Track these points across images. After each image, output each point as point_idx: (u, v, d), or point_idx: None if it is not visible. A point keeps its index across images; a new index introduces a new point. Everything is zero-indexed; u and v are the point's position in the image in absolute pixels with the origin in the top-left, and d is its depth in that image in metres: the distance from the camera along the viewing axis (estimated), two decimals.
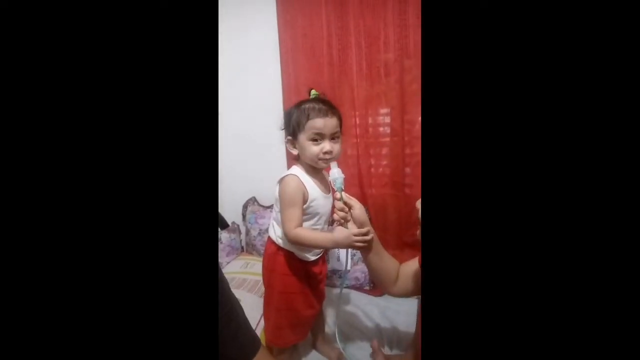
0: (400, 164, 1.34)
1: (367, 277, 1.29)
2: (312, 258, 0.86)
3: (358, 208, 0.75)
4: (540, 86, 0.29)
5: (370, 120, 1.35)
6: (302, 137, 0.77)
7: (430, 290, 0.32)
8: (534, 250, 0.29)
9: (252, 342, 0.54)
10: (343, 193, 0.75)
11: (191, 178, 0.32)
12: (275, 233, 0.85)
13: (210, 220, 0.33)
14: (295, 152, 0.80)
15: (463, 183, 0.30)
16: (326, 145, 0.75)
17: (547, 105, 0.28)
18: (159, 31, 0.31)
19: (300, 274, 0.85)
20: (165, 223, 0.31)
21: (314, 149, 0.76)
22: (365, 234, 0.72)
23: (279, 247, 0.84)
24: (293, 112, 0.79)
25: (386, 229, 1.38)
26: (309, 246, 0.81)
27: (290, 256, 0.84)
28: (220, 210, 1.46)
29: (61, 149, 0.29)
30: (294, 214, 0.76)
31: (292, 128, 0.78)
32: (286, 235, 0.77)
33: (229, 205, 1.51)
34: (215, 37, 0.34)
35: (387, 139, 1.34)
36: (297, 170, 0.79)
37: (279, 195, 0.79)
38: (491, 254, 0.30)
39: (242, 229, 1.50)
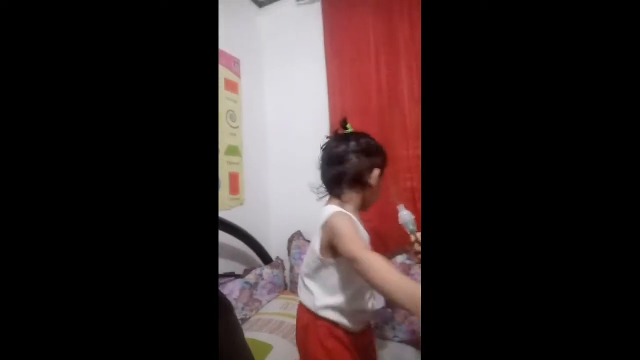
0: None
1: None
2: (360, 327, 0.70)
3: None
4: (545, 120, 0.28)
5: None
6: (378, 173, 0.68)
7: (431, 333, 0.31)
8: (533, 281, 0.28)
9: None
10: (418, 234, 0.63)
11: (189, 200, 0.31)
12: (314, 298, 0.67)
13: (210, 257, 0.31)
14: (374, 183, 0.69)
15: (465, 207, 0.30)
16: None
17: (552, 145, 0.28)
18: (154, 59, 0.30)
19: (348, 348, 0.68)
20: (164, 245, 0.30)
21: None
22: None
23: (316, 317, 0.67)
24: (373, 144, 0.70)
25: None
26: (379, 283, 0.50)
27: (332, 327, 0.67)
28: (264, 243, 1.41)
29: (59, 166, 0.28)
30: (359, 239, 0.60)
31: (378, 161, 0.69)
32: (357, 257, 0.54)
33: (274, 238, 1.46)
34: (216, 63, 0.34)
35: None
36: (345, 211, 0.67)
37: (333, 228, 0.61)
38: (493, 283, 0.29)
39: (287, 265, 1.41)
